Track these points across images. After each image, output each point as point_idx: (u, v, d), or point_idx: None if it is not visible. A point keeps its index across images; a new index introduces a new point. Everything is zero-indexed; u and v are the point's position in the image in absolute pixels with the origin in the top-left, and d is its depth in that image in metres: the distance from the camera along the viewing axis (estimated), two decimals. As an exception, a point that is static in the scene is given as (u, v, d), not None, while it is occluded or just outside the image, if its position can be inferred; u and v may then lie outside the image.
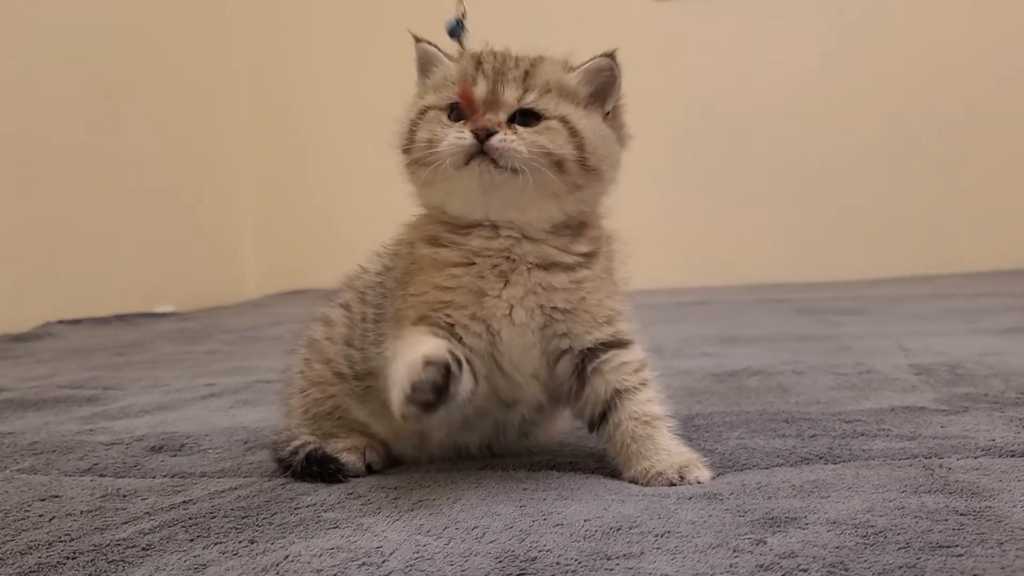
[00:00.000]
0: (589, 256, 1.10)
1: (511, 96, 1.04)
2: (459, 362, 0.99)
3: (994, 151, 4.38)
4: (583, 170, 1.04)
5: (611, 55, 1.08)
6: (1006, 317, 2.60)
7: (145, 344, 3.04)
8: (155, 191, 4.42)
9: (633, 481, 1.05)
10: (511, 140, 1.01)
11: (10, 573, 0.84)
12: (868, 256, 4.46)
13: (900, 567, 0.73)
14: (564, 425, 1.26)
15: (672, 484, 1.02)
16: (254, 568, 0.81)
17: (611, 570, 0.76)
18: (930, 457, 1.09)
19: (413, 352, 0.97)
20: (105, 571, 0.84)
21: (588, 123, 1.06)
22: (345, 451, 1.17)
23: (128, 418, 1.67)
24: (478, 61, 1.07)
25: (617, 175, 1.11)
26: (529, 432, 1.20)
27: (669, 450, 1.06)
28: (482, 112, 1.03)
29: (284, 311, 3.99)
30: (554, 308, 1.07)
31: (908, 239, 4.44)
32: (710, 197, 4.63)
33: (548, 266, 1.07)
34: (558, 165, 1.03)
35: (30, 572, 0.85)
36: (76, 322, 3.58)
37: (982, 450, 1.10)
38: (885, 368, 1.78)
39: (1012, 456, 1.08)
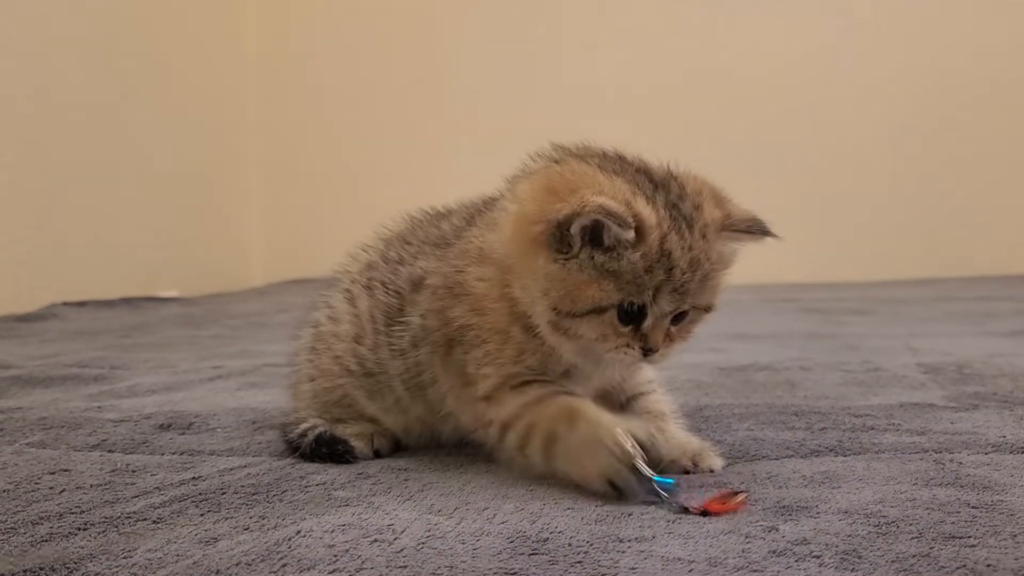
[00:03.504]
0: None
1: (689, 305, 0.97)
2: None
3: (1001, 155, 4.37)
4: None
5: (758, 224, 0.99)
6: (1012, 320, 2.59)
7: (150, 327, 3.05)
8: (162, 176, 4.42)
9: (644, 468, 1.05)
10: (669, 348, 0.98)
11: (22, 542, 0.85)
12: (873, 258, 4.45)
13: (914, 556, 0.73)
14: None
15: (686, 472, 1.02)
16: (266, 542, 0.81)
17: (623, 552, 0.76)
18: (940, 452, 1.09)
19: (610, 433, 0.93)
20: (116, 542, 0.85)
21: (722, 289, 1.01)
22: (353, 436, 1.17)
23: (135, 397, 1.67)
24: (667, 265, 0.93)
25: None
26: None
27: (680, 439, 1.07)
28: (652, 324, 0.96)
29: (290, 299, 3.99)
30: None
31: (913, 242, 4.43)
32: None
33: None
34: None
35: (42, 541, 0.85)
36: (81, 304, 3.58)
37: (992, 446, 1.10)
38: (893, 366, 1.78)
39: (1023, 453, 1.07)
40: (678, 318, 0.98)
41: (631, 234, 0.91)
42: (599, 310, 0.94)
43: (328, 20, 5.15)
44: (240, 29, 5.14)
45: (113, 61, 4.09)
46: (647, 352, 0.96)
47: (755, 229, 0.98)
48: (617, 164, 0.99)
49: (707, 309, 0.99)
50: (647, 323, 0.95)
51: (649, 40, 4.68)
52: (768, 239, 1.01)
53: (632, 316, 0.95)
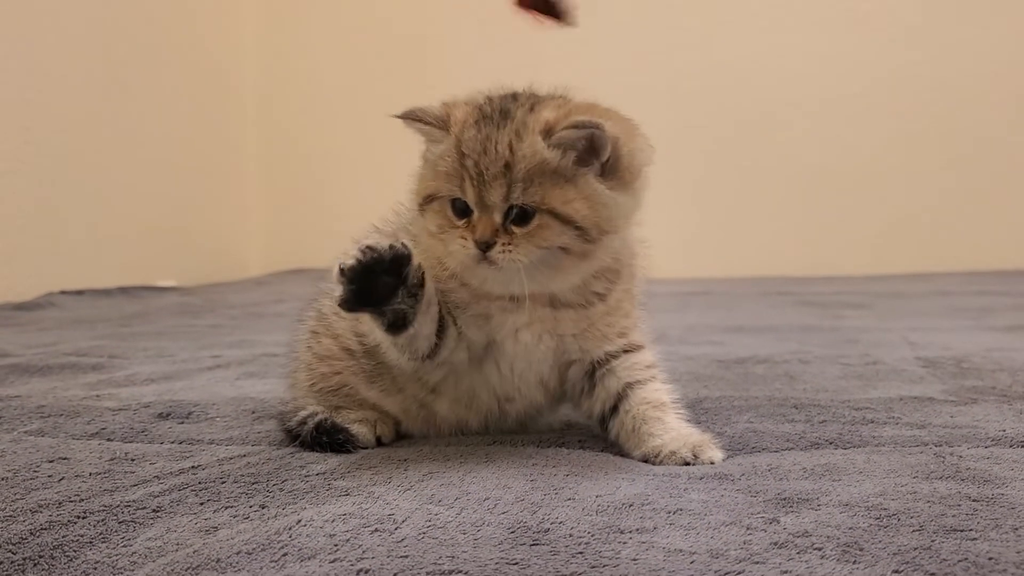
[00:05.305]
0: (603, 293, 1.10)
1: (497, 197, 0.99)
2: (408, 260, 1.01)
3: (1000, 150, 4.37)
4: (588, 242, 1.01)
5: (590, 124, 0.98)
6: (1011, 315, 2.59)
7: (148, 316, 3.04)
8: (160, 165, 4.41)
9: (645, 459, 1.05)
10: (509, 251, 0.99)
11: (21, 530, 0.84)
12: (872, 252, 4.45)
13: (915, 549, 0.73)
14: (567, 410, 1.26)
15: (686, 463, 1.02)
16: (266, 531, 0.81)
17: (624, 543, 0.76)
18: (940, 445, 1.09)
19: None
20: (115, 530, 0.85)
21: (579, 202, 0.99)
22: (356, 423, 1.17)
23: (134, 386, 1.67)
24: (461, 154, 1.01)
25: (634, 215, 1.07)
26: (527, 424, 1.21)
27: (680, 430, 1.07)
28: (477, 217, 1.01)
29: (287, 289, 3.99)
30: (562, 334, 1.10)
31: (912, 236, 4.43)
32: (714, 189, 4.62)
33: (557, 306, 1.08)
34: (562, 249, 1.00)
35: (41, 529, 0.85)
36: (79, 293, 3.57)
37: (992, 440, 1.10)
38: (892, 360, 1.78)
39: (1023, 447, 1.07)
40: (519, 220, 0.99)
41: (434, 129, 1.05)
42: (430, 198, 1.04)
43: (327, 10, 5.14)
44: (239, 18, 5.12)
45: (111, 51, 4.07)
46: (482, 247, 0.99)
47: (579, 125, 0.98)
48: (502, 90, 1.08)
49: (556, 215, 0.98)
50: (474, 216, 1.01)
51: (652, 32, 4.67)
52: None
53: (462, 209, 1.02)
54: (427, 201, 1.05)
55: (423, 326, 1.05)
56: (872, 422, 1.22)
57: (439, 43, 4.95)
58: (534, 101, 1.03)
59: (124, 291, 3.78)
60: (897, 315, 2.68)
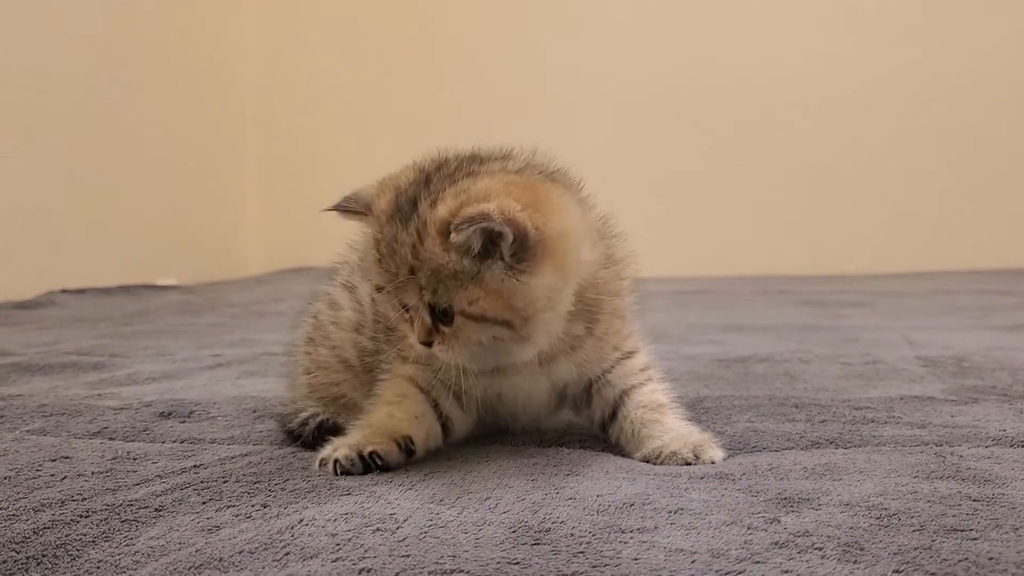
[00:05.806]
0: (585, 334, 1.07)
1: (413, 300, 0.97)
2: (410, 446, 1.03)
3: (1001, 148, 4.37)
4: (515, 328, 0.96)
5: (477, 219, 0.91)
6: (1012, 314, 2.60)
7: (149, 315, 3.04)
8: (160, 164, 4.41)
9: (645, 460, 1.05)
10: (445, 349, 0.98)
11: (24, 529, 0.85)
12: (872, 251, 4.46)
13: (915, 548, 0.73)
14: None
15: (687, 463, 1.02)
16: (268, 531, 0.81)
17: (625, 543, 0.77)
18: (941, 445, 1.09)
19: (373, 425, 1.04)
20: (118, 530, 0.85)
21: (485, 300, 0.94)
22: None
23: (135, 385, 1.67)
24: (380, 253, 0.98)
25: (566, 289, 0.99)
26: (531, 431, 1.21)
27: (680, 430, 1.07)
28: (413, 315, 0.99)
29: (287, 287, 3.99)
30: (558, 376, 1.09)
31: (912, 236, 4.44)
32: (715, 189, 4.62)
33: (542, 361, 1.06)
34: (496, 337, 0.97)
35: (44, 528, 0.85)
36: (80, 292, 3.58)
37: (993, 439, 1.11)
38: (892, 359, 1.78)
39: (1023, 446, 1.08)
40: (443, 318, 0.97)
41: (363, 216, 1.03)
42: (377, 288, 1.01)
43: (327, 10, 5.14)
44: (239, 18, 5.12)
45: (111, 49, 4.07)
46: (426, 345, 0.99)
47: (468, 222, 0.91)
48: (431, 163, 1.03)
49: (467, 315, 0.95)
50: (411, 312, 1.00)
51: (652, 32, 4.67)
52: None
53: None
54: (378, 289, 1.02)
55: (429, 444, 1.07)
56: (872, 421, 1.22)
57: (439, 43, 4.95)
58: (441, 189, 0.96)
59: (125, 290, 3.79)
60: (897, 314, 2.68)
